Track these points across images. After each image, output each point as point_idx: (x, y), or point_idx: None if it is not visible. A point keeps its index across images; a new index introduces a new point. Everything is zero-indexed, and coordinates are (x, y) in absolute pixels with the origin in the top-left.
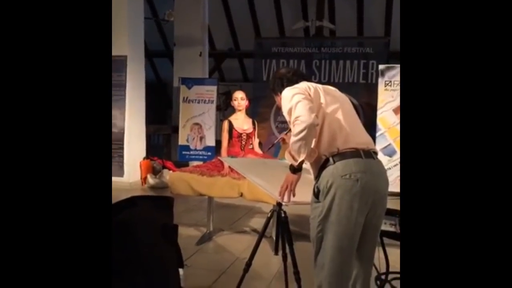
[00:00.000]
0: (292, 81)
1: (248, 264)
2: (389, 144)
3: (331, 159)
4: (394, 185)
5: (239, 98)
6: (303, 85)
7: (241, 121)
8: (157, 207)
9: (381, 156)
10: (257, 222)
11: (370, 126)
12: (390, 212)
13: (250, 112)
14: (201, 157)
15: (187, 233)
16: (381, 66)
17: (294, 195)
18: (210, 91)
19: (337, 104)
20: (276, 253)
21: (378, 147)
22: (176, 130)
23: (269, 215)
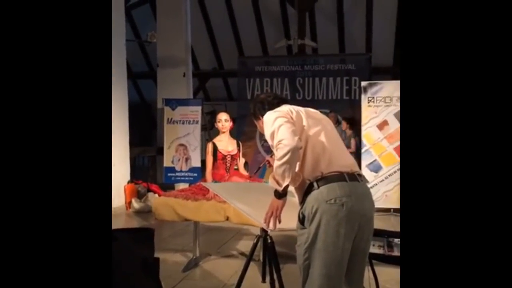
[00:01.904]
0: (273, 105)
1: None
2: (375, 160)
3: (315, 184)
4: (381, 201)
5: (223, 120)
6: (285, 108)
7: (226, 143)
8: (137, 240)
9: (367, 172)
10: (245, 245)
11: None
12: (378, 233)
13: (236, 131)
14: (187, 178)
15: (173, 260)
16: (363, 83)
17: (279, 222)
18: (195, 112)
19: (319, 127)
20: (264, 280)
21: (364, 163)
22: (161, 151)
23: (255, 241)
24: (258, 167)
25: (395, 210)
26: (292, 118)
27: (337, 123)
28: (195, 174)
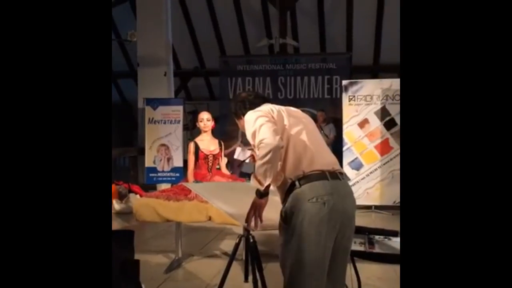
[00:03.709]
0: (254, 104)
1: None
2: (356, 158)
3: (297, 183)
4: (362, 199)
5: (205, 119)
6: (266, 107)
7: (207, 142)
8: (116, 242)
9: (348, 170)
10: (228, 244)
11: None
12: (359, 230)
13: (218, 130)
14: (169, 178)
15: (155, 261)
16: (344, 82)
17: (261, 221)
18: (176, 111)
19: (301, 126)
20: (246, 280)
21: (345, 161)
22: (142, 152)
23: (237, 240)
24: (242, 161)
25: (376, 207)
26: (273, 117)
27: (324, 121)
28: (177, 174)
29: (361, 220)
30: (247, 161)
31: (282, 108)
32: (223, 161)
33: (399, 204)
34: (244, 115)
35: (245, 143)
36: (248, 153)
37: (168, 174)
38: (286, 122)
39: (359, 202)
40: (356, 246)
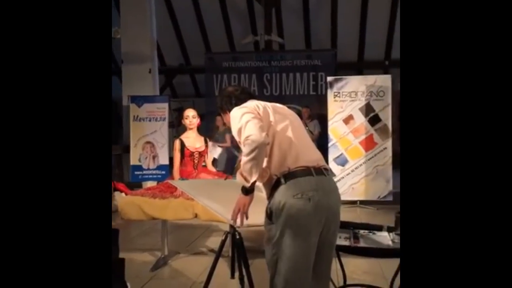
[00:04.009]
0: (240, 100)
1: None
2: (341, 154)
3: (282, 179)
4: (347, 194)
5: (190, 116)
6: (252, 104)
7: (193, 140)
8: None
9: (333, 166)
10: (215, 242)
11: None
12: (344, 225)
13: (204, 127)
14: (154, 176)
15: (141, 259)
16: (329, 78)
17: (247, 218)
18: (162, 108)
19: (286, 122)
20: (233, 276)
21: (331, 157)
22: (127, 150)
23: (223, 237)
24: (233, 167)
25: (361, 202)
26: (259, 113)
27: (309, 118)
28: (163, 172)
29: (346, 215)
30: (216, 156)
31: (268, 104)
32: (209, 158)
33: (383, 199)
34: (229, 110)
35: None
36: (219, 150)
37: (154, 172)
38: (271, 118)
39: (344, 197)
40: (341, 241)
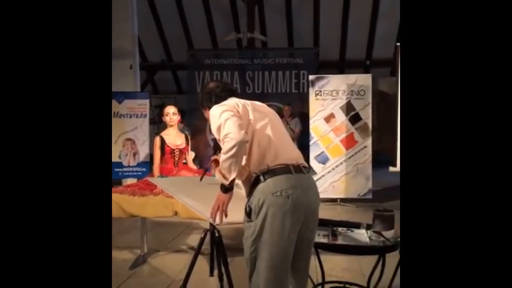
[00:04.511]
0: (220, 97)
1: (183, 286)
2: (322, 152)
3: (261, 177)
4: (328, 192)
5: (171, 113)
6: (232, 101)
7: (174, 137)
8: None
9: (314, 164)
10: (195, 239)
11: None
12: (323, 223)
13: (186, 124)
14: (135, 173)
15: (120, 257)
16: (311, 77)
17: (226, 216)
18: (143, 105)
19: (265, 120)
20: (212, 274)
21: (312, 155)
22: None
23: (202, 235)
24: (204, 171)
25: (341, 200)
26: (238, 111)
27: (290, 116)
28: (144, 169)
29: (326, 212)
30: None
31: (248, 102)
32: (190, 155)
33: (363, 197)
34: (209, 107)
35: (214, 138)
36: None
37: (134, 169)
38: (251, 116)
39: (325, 195)
40: (319, 238)
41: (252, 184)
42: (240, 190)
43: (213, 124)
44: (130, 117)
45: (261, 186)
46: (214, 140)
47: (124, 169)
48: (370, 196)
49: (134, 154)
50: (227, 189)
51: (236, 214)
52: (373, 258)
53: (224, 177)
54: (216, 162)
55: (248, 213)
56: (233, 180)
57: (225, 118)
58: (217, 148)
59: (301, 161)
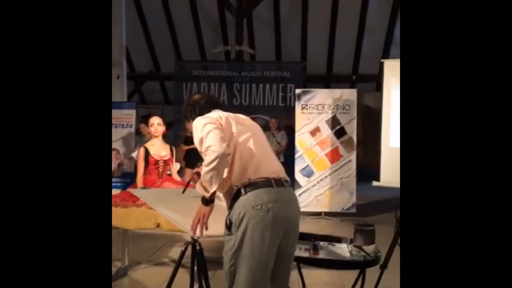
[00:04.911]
0: (204, 109)
1: None
2: (307, 165)
3: (242, 190)
4: (312, 205)
5: (156, 124)
6: (215, 114)
7: (158, 148)
8: None
9: (299, 177)
10: (178, 252)
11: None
12: (303, 237)
13: (172, 135)
14: (119, 184)
15: None
16: (297, 91)
17: (206, 228)
18: (129, 115)
19: (248, 133)
20: (192, 287)
21: (297, 168)
22: None
23: (183, 248)
24: (187, 184)
25: (325, 213)
26: (221, 124)
27: (277, 129)
28: (128, 180)
29: (310, 226)
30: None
31: (231, 115)
32: (175, 166)
33: (347, 211)
34: (193, 119)
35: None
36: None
37: (119, 180)
38: (234, 129)
39: (309, 208)
40: (301, 252)
41: (233, 197)
42: (221, 202)
43: (196, 136)
44: (116, 127)
45: (241, 199)
46: (187, 137)
47: None
48: (354, 210)
49: (119, 165)
50: (208, 201)
51: (217, 226)
52: (354, 273)
53: (205, 189)
54: (199, 174)
55: (229, 226)
56: (214, 192)
57: (207, 131)
58: (187, 141)
59: (283, 174)
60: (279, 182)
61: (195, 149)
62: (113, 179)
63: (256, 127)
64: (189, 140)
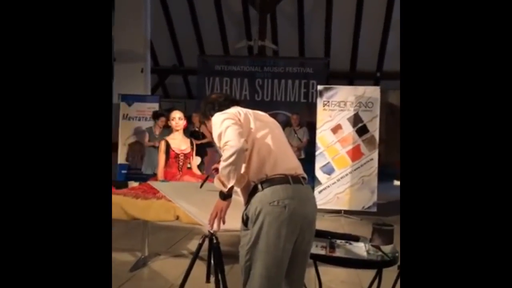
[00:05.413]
0: (223, 106)
1: None
2: (328, 163)
3: (259, 186)
4: (332, 203)
5: (177, 118)
6: (234, 110)
7: (179, 141)
8: None
9: (320, 174)
10: (196, 245)
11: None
12: (321, 234)
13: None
14: (141, 176)
15: (121, 259)
16: (319, 87)
17: (224, 223)
18: (152, 108)
19: (266, 130)
20: (208, 280)
21: (318, 165)
22: (115, 148)
23: (200, 241)
24: (206, 177)
25: (345, 212)
26: (239, 120)
27: (298, 125)
28: (150, 172)
29: (330, 224)
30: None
31: (250, 111)
32: (195, 160)
33: (367, 210)
34: (212, 116)
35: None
36: None
37: (141, 172)
38: (252, 125)
39: (329, 206)
40: (317, 250)
41: (250, 193)
42: (239, 197)
43: (215, 132)
44: (139, 120)
45: (258, 195)
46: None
47: (131, 171)
48: (374, 209)
49: (142, 157)
50: (225, 196)
51: (235, 221)
52: (372, 272)
53: (223, 184)
54: (217, 170)
55: (245, 222)
56: (232, 187)
57: (226, 126)
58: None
59: (300, 171)
60: (296, 179)
61: (201, 144)
62: (136, 171)
63: (274, 123)
64: (195, 134)
